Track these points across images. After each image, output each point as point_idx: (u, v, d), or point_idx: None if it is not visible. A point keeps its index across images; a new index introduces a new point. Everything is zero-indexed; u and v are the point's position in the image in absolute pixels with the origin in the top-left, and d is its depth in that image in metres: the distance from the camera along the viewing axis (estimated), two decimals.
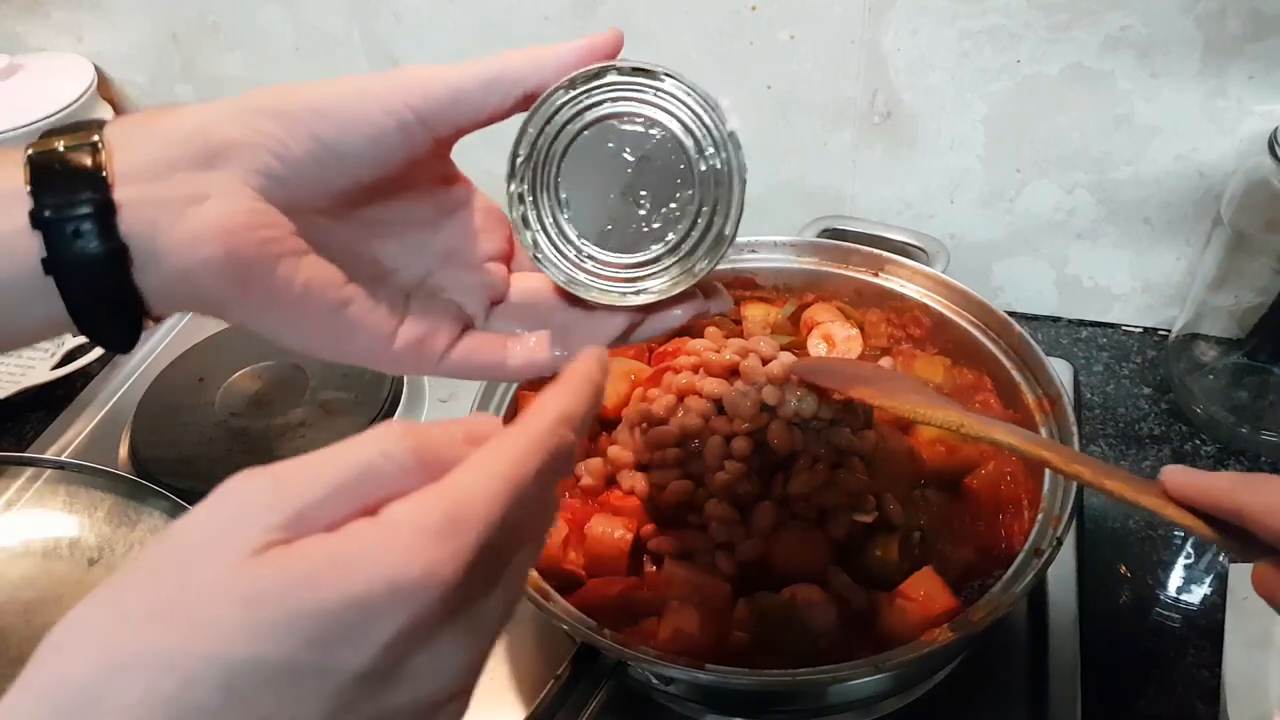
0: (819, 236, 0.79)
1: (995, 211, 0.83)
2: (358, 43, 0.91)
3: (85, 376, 0.90)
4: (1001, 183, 0.82)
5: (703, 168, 0.39)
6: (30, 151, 0.35)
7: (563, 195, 0.39)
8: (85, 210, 0.33)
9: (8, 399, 0.86)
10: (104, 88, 1.00)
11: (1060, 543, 0.53)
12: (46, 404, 0.88)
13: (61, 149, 0.35)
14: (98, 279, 0.34)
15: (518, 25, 0.86)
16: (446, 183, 0.44)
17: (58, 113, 0.93)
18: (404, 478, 0.29)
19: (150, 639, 0.25)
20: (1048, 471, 0.59)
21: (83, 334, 0.36)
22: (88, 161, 0.34)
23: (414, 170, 0.40)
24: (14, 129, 0.91)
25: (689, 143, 0.39)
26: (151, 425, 0.83)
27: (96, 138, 0.35)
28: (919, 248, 0.78)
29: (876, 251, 0.73)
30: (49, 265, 0.34)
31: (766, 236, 0.75)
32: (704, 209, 0.39)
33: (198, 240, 0.34)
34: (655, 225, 0.40)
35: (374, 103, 0.37)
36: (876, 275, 0.72)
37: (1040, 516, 0.57)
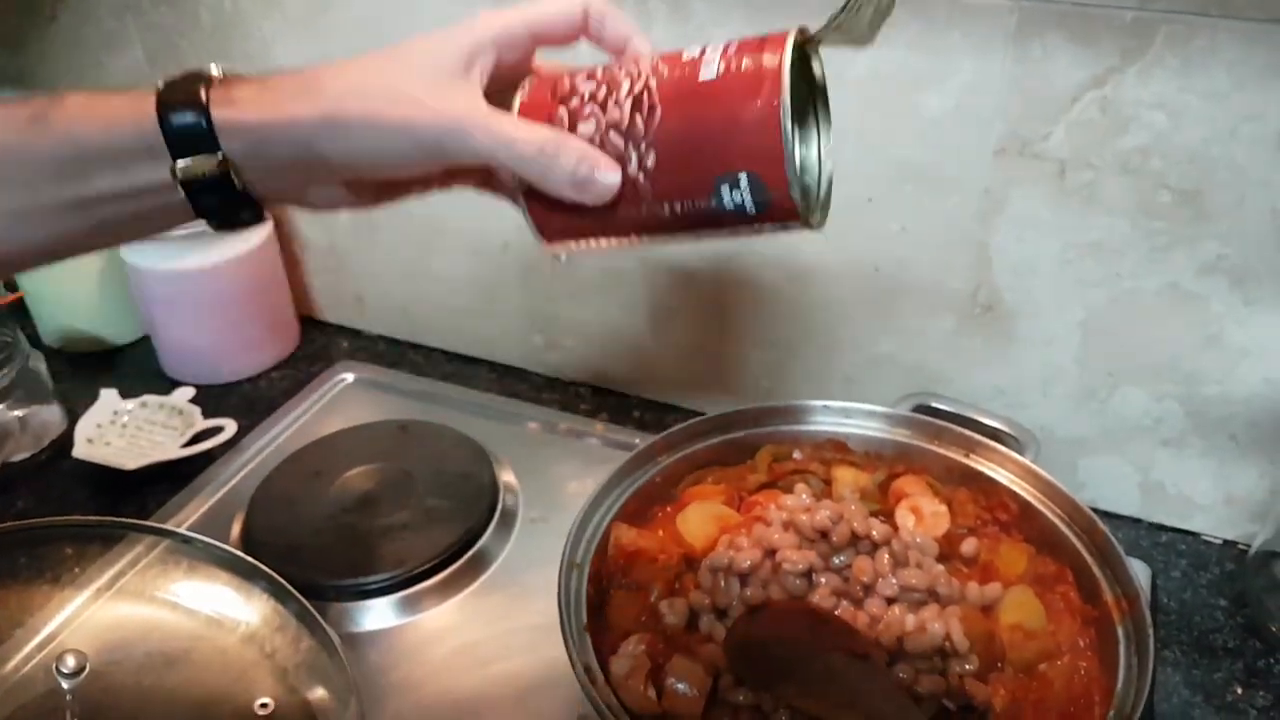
0: (912, 411, 0.82)
1: (1086, 410, 0.87)
2: None
3: (208, 458, 0.96)
4: (1093, 383, 0.85)
5: None
6: None
7: None
8: None
9: (135, 470, 0.93)
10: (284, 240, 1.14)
11: None
12: (170, 479, 0.93)
13: None
14: None
15: None
16: None
17: (240, 255, 1.05)
18: None
19: None
20: (1121, 670, 0.61)
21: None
22: None
23: None
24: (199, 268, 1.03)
25: None
26: (266, 511, 0.88)
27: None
28: (1010, 435, 0.81)
29: (968, 433, 0.76)
30: None
31: (861, 404, 0.79)
32: None
33: None
34: None
35: None
36: (967, 456, 0.76)
37: (1111, 714, 0.58)
